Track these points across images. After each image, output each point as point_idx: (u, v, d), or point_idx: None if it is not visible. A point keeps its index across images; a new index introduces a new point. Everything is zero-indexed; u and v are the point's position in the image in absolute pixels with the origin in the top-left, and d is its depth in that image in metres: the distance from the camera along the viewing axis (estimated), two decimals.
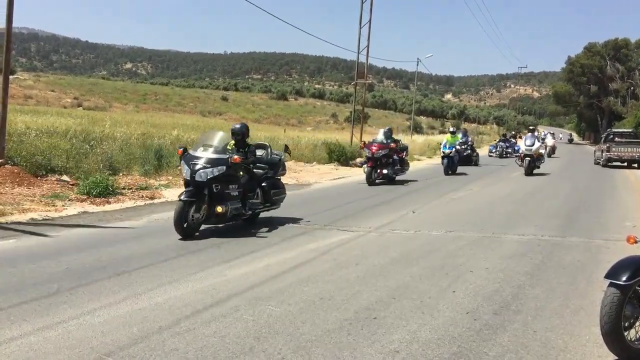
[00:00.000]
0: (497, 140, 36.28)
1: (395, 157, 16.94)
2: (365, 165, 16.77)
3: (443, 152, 20.59)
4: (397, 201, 12.87)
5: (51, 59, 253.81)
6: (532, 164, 20.25)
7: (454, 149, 20.53)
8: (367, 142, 17.12)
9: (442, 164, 20.44)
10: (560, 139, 77.88)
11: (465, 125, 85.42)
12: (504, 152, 33.03)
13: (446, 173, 19.89)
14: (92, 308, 4.78)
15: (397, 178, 17.17)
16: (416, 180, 17.64)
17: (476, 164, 25.40)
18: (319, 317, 4.67)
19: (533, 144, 20.44)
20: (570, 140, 71.47)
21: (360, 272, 6.21)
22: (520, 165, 20.74)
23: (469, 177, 19.39)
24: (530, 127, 27.52)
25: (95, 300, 5.01)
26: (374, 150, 16.15)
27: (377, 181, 16.29)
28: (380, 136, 17.56)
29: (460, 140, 23.88)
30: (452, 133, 22.07)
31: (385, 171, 16.41)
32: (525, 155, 20.33)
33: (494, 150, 34.12)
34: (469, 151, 25.32)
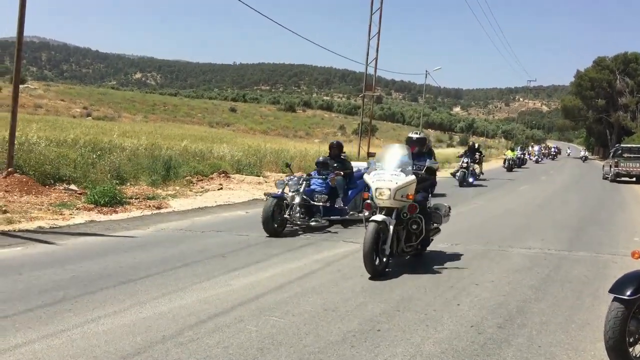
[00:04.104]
0: (462, 154, 22.75)
1: None
2: None
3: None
4: None
5: (61, 68, 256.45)
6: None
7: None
8: None
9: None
10: (568, 154, 75.90)
11: (473, 138, 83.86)
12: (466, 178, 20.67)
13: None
14: (97, 316, 4.79)
15: None
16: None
17: None
18: (323, 329, 4.65)
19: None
20: (585, 158, 57.60)
21: (365, 284, 6.20)
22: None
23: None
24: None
25: (100, 308, 5.02)
26: None
27: None
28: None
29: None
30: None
31: None
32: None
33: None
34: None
